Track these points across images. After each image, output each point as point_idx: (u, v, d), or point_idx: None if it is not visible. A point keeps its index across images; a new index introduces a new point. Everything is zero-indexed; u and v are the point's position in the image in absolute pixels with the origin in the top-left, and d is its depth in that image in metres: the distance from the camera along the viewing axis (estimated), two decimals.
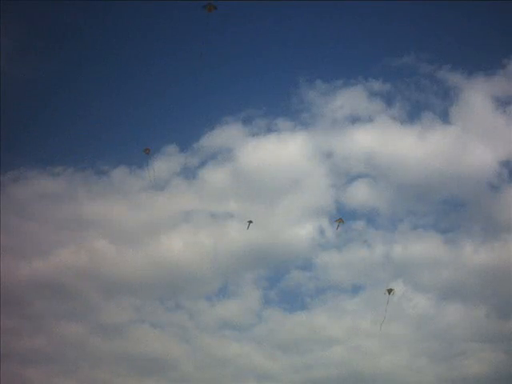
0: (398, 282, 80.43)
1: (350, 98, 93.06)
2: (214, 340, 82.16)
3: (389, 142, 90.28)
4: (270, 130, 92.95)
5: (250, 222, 67.88)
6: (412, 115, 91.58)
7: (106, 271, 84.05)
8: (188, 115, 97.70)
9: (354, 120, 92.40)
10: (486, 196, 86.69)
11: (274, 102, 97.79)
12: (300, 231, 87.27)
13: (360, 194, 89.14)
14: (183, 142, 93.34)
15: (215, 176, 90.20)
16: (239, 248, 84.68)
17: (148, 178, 74.42)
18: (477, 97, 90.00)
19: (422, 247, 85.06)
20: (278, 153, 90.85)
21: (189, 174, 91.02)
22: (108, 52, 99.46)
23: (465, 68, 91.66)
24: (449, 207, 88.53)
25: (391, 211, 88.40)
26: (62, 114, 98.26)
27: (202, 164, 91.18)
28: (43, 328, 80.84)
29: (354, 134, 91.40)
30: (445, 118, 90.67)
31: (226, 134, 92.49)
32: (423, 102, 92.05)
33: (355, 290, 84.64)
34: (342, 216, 70.82)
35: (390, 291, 62.11)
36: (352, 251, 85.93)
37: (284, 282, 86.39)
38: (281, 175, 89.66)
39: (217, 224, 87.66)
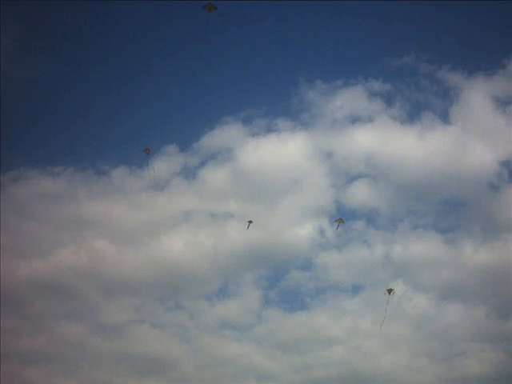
0: (398, 282, 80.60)
1: (350, 98, 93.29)
2: (214, 340, 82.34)
3: (389, 142, 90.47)
4: (269, 129, 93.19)
5: (250, 221, 67.92)
6: (412, 115, 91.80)
7: (106, 271, 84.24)
8: (188, 115, 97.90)
9: (354, 120, 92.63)
10: (486, 196, 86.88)
11: (274, 101, 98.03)
12: (300, 231, 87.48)
13: (360, 194, 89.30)
14: (183, 141, 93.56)
15: (215, 176, 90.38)
16: (239, 248, 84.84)
17: (148, 177, 74.55)
18: (477, 97, 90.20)
19: (422, 247, 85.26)
20: (278, 153, 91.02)
21: (189, 173, 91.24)
22: (108, 52, 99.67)
23: (465, 68, 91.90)
24: (449, 207, 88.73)
25: (391, 211, 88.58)
26: (62, 114, 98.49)
27: (202, 164, 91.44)
28: (43, 328, 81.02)
29: (354, 133, 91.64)
30: (445, 118, 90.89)
31: (226, 134, 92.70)
32: (423, 102, 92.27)
33: (355, 289, 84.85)
34: (342, 216, 70.95)
35: (390, 291, 62.09)
36: (352, 251, 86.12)
37: (284, 281, 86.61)
38: (281, 175, 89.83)
39: (217, 224, 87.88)
